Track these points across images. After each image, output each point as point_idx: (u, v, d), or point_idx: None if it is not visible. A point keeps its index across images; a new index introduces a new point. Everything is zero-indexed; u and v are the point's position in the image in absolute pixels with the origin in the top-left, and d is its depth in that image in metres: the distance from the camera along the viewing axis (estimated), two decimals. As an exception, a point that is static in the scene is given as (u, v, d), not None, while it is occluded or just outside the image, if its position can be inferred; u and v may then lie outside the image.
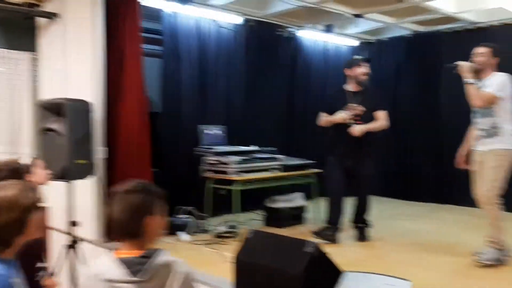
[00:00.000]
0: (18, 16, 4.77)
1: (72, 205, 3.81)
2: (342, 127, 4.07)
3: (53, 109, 3.73)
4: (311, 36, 6.41)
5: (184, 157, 4.99)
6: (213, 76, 5.28)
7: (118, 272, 1.58)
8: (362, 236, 4.39)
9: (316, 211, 5.14)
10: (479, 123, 3.60)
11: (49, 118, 3.74)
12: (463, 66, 3.55)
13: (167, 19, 4.86)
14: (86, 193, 4.31)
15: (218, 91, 5.33)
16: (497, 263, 3.49)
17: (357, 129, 3.52)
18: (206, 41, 5.19)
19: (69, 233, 3.83)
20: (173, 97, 4.98)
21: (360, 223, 4.41)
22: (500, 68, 3.60)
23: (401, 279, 2.55)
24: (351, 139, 4.09)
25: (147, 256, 1.62)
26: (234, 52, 5.46)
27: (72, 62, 4.46)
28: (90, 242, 3.96)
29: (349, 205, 4.42)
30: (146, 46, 5.34)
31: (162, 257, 1.63)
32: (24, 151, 4.74)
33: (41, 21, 4.86)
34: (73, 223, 3.91)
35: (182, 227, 4.46)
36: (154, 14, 4.98)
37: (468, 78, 3.52)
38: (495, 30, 5.75)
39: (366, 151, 3.70)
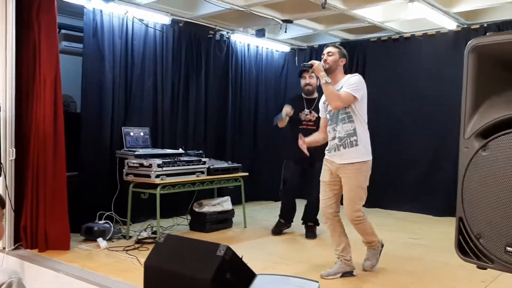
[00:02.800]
0: None
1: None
2: (297, 130, 4.16)
3: (-47, 106, 3.45)
4: (243, 40, 6.40)
5: (105, 160, 4.77)
6: (139, 76, 5.10)
7: None
8: (312, 234, 4.67)
9: (244, 215, 5.11)
10: (334, 131, 3.34)
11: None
12: (318, 65, 3.31)
13: (89, 16, 4.64)
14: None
15: (144, 92, 5.15)
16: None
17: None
18: (131, 40, 5.01)
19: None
20: (94, 97, 4.75)
21: (310, 222, 4.70)
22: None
23: (310, 280, 2.54)
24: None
25: None
26: (162, 53, 5.32)
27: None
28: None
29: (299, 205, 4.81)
30: (69, 44, 5.11)
31: None
32: None
33: None
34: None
35: (101, 233, 4.26)
36: (78, 11, 4.76)
37: (324, 77, 3.26)
38: (418, 40, 6.02)
39: (318, 155, 3.70)
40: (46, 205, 3.94)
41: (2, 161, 3.79)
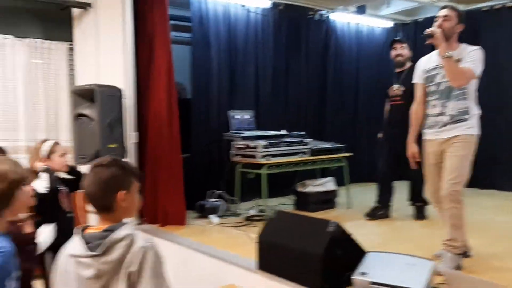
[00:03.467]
0: (54, 7, 4.97)
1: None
2: (393, 109, 4.10)
3: (85, 95, 3.88)
4: (343, 19, 6.30)
5: (214, 142, 5.05)
6: (242, 61, 5.30)
7: (79, 247, 1.61)
8: (421, 215, 4.46)
9: (348, 196, 5.10)
10: (442, 107, 3.04)
11: (82, 104, 3.89)
12: (439, 34, 2.91)
13: (196, 6, 4.91)
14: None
15: (247, 76, 5.35)
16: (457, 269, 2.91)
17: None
18: (234, 26, 5.21)
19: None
20: (202, 83, 5.04)
21: (418, 202, 4.48)
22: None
23: (423, 258, 2.50)
24: (398, 121, 4.11)
25: (109, 230, 1.61)
26: (263, 37, 5.46)
27: (104, 50, 4.60)
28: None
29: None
30: (176, 34, 5.43)
31: (121, 232, 1.60)
32: (62, 136, 4.96)
33: (75, 11, 5.03)
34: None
35: (213, 210, 4.55)
36: (183, 1, 5.04)
37: (445, 49, 2.88)
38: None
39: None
40: (164, 184, 4.29)
41: (125, 144, 4.18)
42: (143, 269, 1.54)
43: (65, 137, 4.90)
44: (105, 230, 1.60)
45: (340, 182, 5.20)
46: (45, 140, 3.32)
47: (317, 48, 6.07)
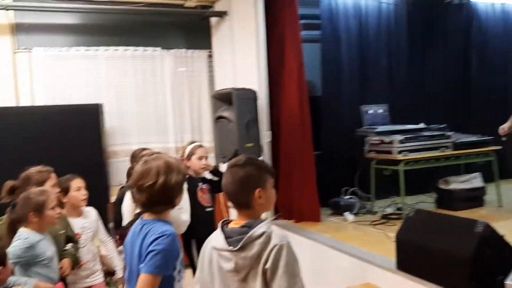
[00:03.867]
0: (195, 19, 5.41)
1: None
2: None
3: (224, 98, 4.15)
4: (486, 0, 5.74)
5: (346, 139, 5.00)
6: (374, 54, 5.16)
7: (221, 240, 1.70)
8: None
9: (498, 193, 4.64)
10: None
11: (222, 107, 4.16)
12: None
13: (325, 2, 4.92)
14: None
15: (379, 70, 5.19)
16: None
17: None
18: (365, 20, 5.10)
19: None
20: (333, 80, 5.03)
21: None
22: None
23: None
24: None
25: (248, 226, 1.68)
26: (396, 28, 5.25)
27: (239, 54, 4.86)
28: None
29: None
30: (306, 33, 5.49)
31: (259, 229, 1.65)
32: (205, 138, 5.38)
33: (213, 20, 5.40)
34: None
35: (348, 208, 4.50)
36: (311, 0, 5.08)
37: None
38: None
39: None
40: (297, 181, 4.38)
41: (261, 143, 4.36)
42: (277, 267, 1.58)
43: (208, 138, 5.30)
44: (244, 226, 1.68)
45: (488, 179, 4.75)
46: (192, 142, 3.66)
47: (456, 35, 5.63)
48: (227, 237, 1.69)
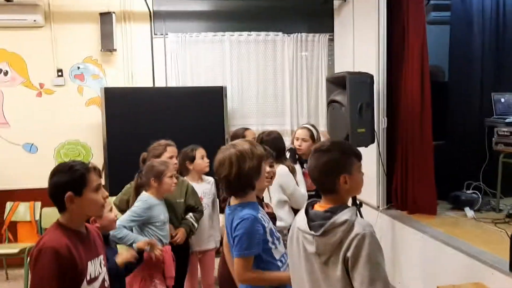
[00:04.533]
0: (316, 2, 5.42)
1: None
2: None
3: (338, 82, 4.11)
4: None
5: (473, 129, 4.61)
6: (510, 38, 4.62)
7: (304, 223, 1.73)
8: None
9: None
10: None
11: (335, 91, 4.14)
12: None
13: (457, -19, 4.54)
14: (366, 160, 4.59)
15: (516, 54, 4.65)
16: None
17: None
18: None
19: (353, 196, 4.20)
20: (462, 65, 4.63)
21: None
22: None
23: None
24: None
25: (331, 212, 1.68)
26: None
27: (359, 38, 4.77)
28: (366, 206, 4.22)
29: None
30: (434, 14, 5.15)
31: (342, 217, 1.64)
32: (321, 122, 5.42)
33: (335, 4, 5.37)
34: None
35: (468, 203, 4.18)
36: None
37: None
38: None
39: None
40: (414, 171, 4.18)
41: (376, 129, 4.25)
42: (359, 256, 1.57)
43: (324, 122, 5.33)
44: (327, 211, 1.69)
45: None
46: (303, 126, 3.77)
47: None
48: (310, 220, 1.72)
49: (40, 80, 5.21)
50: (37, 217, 4.82)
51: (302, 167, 3.51)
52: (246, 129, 3.83)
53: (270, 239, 2.12)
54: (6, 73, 5.15)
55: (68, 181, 1.81)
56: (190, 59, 5.36)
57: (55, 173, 1.85)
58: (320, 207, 1.76)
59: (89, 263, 1.81)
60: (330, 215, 1.67)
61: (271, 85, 5.50)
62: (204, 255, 3.51)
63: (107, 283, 1.92)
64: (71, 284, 1.73)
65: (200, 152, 3.45)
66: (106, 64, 5.31)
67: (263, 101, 5.49)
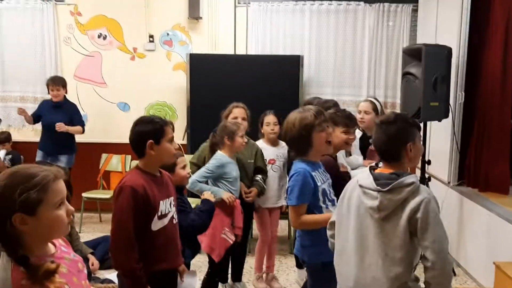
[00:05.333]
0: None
1: (426, 144, 4.12)
2: None
3: (414, 54, 4.07)
4: None
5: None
6: None
7: (368, 181, 1.89)
8: None
9: None
10: None
11: (411, 63, 4.11)
12: None
13: None
14: (439, 134, 4.52)
15: None
16: None
17: None
18: None
19: (422, 170, 4.21)
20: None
21: None
22: None
23: None
24: None
25: (396, 175, 1.85)
26: None
27: (442, 8, 4.62)
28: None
29: None
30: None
31: (409, 179, 1.82)
32: (398, 94, 5.35)
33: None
34: (427, 162, 4.24)
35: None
36: None
37: None
38: None
39: None
40: (489, 149, 4.07)
41: (451, 103, 4.17)
42: (428, 217, 1.77)
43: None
44: (392, 173, 1.88)
45: None
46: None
47: None
48: (375, 179, 1.89)
49: (134, 45, 5.70)
50: (127, 168, 5.38)
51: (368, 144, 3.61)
52: (316, 97, 3.98)
53: (321, 198, 2.32)
54: (105, 37, 5.70)
55: (150, 131, 2.13)
56: (270, 28, 5.53)
57: (138, 123, 2.19)
58: (383, 171, 1.94)
59: (161, 202, 2.13)
60: (395, 177, 1.85)
61: (349, 55, 5.52)
62: (271, 212, 3.79)
63: (175, 220, 2.24)
64: (144, 218, 2.06)
65: (266, 119, 3.69)
66: (192, 31, 5.66)
67: (339, 72, 5.53)
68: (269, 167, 3.69)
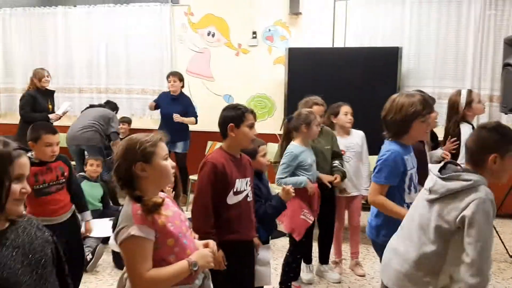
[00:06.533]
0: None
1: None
2: None
3: (515, 44, 3.86)
4: None
5: None
6: None
7: (436, 168, 1.94)
8: None
9: None
10: None
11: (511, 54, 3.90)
12: None
13: None
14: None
15: None
16: None
17: None
18: None
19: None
20: None
21: None
22: None
23: None
24: None
25: (466, 170, 1.86)
26: None
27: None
28: None
29: None
30: None
31: (472, 176, 1.80)
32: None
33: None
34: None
35: None
36: None
37: None
38: None
39: None
40: None
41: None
42: (478, 216, 1.74)
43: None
44: (464, 168, 1.90)
45: None
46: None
47: None
48: (442, 168, 1.95)
49: (239, 41, 6.12)
50: (229, 156, 5.82)
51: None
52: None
53: (407, 182, 2.38)
54: (213, 35, 6.21)
55: (232, 116, 2.46)
56: (369, 20, 5.55)
57: (224, 109, 2.54)
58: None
59: (237, 180, 2.43)
60: (461, 171, 1.87)
61: (452, 46, 5.33)
62: (350, 201, 3.91)
63: (249, 198, 2.53)
64: (221, 191, 2.40)
65: (344, 109, 3.79)
66: (292, 26, 5.91)
67: (441, 63, 5.37)
68: None
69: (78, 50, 6.52)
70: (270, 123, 5.95)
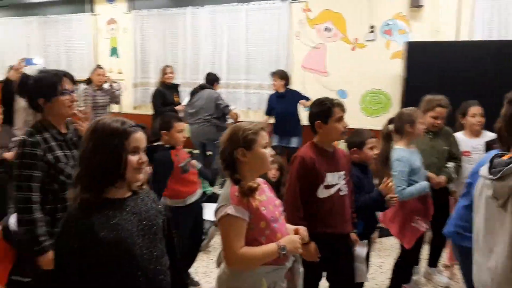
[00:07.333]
0: None
1: None
2: None
3: None
4: None
5: None
6: None
7: (485, 169, 1.77)
8: None
9: None
10: None
11: None
12: None
13: None
14: None
15: None
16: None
17: None
18: None
19: None
20: None
21: None
22: None
23: None
24: None
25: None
26: None
27: None
28: None
29: None
30: None
31: None
32: None
33: None
34: None
35: None
36: None
37: None
38: None
39: None
40: None
41: None
42: None
43: None
44: (511, 158, 1.72)
45: None
46: None
47: None
48: (493, 167, 1.77)
49: (355, 36, 6.04)
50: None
51: None
52: None
53: None
54: (329, 30, 6.22)
55: (318, 112, 2.50)
56: (499, 10, 5.10)
57: (312, 105, 2.57)
58: (507, 156, 1.78)
59: (328, 174, 2.45)
60: (510, 162, 1.69)
61: None
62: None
63: (342, 192, 2.52)
64: (310, 185, 2.44)
65: (472, 110, 3.55)
66: (413, 20, 5.67)
67: None
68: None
69: (204, 47, 7.01)
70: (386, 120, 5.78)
